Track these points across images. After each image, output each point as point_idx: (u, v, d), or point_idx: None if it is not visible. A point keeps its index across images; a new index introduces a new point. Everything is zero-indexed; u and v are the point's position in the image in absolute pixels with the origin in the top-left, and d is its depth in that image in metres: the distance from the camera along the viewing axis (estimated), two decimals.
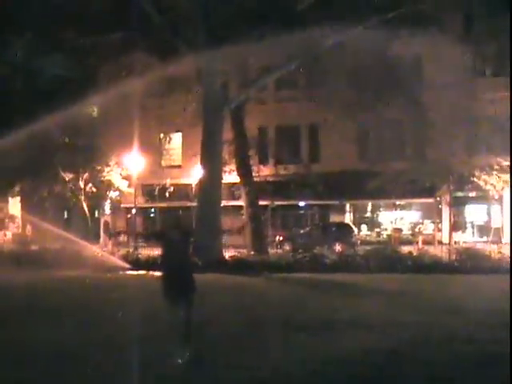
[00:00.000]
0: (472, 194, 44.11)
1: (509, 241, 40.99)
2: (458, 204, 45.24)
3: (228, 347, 11.79)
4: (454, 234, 43.51)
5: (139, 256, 31.51)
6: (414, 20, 33.37)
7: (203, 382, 9.59)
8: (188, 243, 11.28)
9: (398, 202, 48.09)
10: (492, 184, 41.54)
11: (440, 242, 42.01)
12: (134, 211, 44.71)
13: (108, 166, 44.73)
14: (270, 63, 33.01)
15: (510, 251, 23.64)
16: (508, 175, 41.27)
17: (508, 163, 41.17)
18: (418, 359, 10.53)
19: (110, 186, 46.53)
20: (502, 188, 42.09)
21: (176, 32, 31.08)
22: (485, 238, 44.51)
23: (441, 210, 46.32)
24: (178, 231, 11.02)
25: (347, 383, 9.25)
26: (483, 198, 43.91)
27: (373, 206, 50.24)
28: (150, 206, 52.44)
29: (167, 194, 49.01)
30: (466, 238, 44.28)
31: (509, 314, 12.53)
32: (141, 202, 48.84)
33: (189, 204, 42.83)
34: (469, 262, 26.20)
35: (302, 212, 49.89)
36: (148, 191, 50.63)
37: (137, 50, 33.25)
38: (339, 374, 9.65)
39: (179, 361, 10.25)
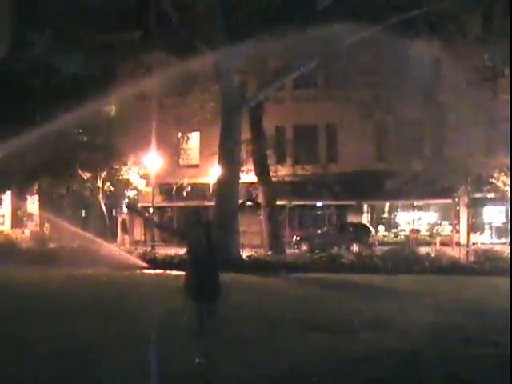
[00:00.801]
0: (490, 195, 43.80)
1: None
2: (476, 205, 45.00)
3: (245, 346, 11.78)
4: (471, 235, 43.31)
5: (156, 255, 31.61)
6: (434, 20, 33.31)
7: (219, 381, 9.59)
8: (214, 242, 10.74)
9: (415, 203, 47.87)
10: (510, 185, 41.30)
11: (458, 244, 41.79)
12: (151, 210, 44.83)
13: (126, 165, 44.81)
14: (288, 62, 32.95)
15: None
16: None
17: None
18: (435, 360, 10.48)
19: (127, 185, 46.67)
20: None
21: (194, 30, 31.10)
22: (503, 240, 44.29)
23: (459, 211, 46.06)
24: (204, 229, 10.65)
25: (364, 383, 9.21)
26: (501, 199, 43.64)
27: (390, 206, 50.10)
28: (168, 205, 52.53)
29: (184, 194, 49.09)
30: (484, 240, 44.10)
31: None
32: (158, 201, 48.98)
33: (206, 203, 42.83)
34: (487, 264, 26.13)
35: (319, 212, 49.80)
36: (165, 190, 50.73)
37: (155, 48, 33.33)
38: (357, 373, 9.62)
39: (200, 360, 10.07)
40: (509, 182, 41.16)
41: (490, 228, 47.47)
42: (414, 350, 11.09)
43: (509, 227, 45.45)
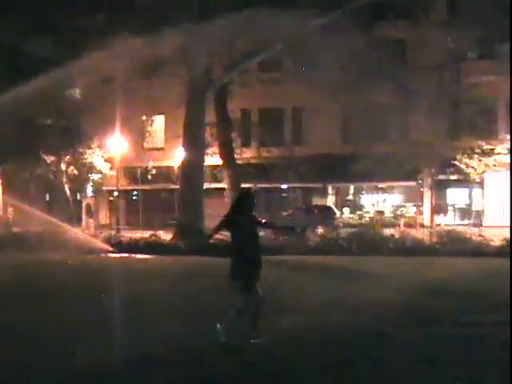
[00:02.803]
0: (454, 178, 44.31)
1: (489, 224, 41.39)
2: (439, 187, 45.53)
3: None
4: (435, 216, 43.83)
5: (121, 239, 31.49)
6: (399, 3, 33.39)
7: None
8: (258, 225, 10.66)
9: (380, 185, 48.20)
10: (473, 167, 41.80)
11: (422, 225, 42.28)
12: (116, 194, 44.63)
13: (90, 148, 44.58)
14: (254, 46, 32.84)
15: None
16: (489, 158, 41.61)
17: (490, 146, 41.53)
18: (403, 341, 10.58)
19: (92, 168, 46.41)
20: (483, 171, 42.39)
21: (161, 13, 30.83)
22: (466, 221, 44.80)
23: (423, 193, 46.52)
24: (250, 213, 10.31)
25: (331, 364, 9.25)
26: (465, 181, 44.13)
27: (355, 188, 50.38)
28: (133, 188, 52.38)
29: (150, 177, 48.98)
30: (448, 221, 44.55)
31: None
32: (123, 184, 48.77)
33: (172, 186, 42.80)
34: (450, 245, 26.35)
35: (284, 195, 49.97)
36: (130, 174, 50.62)
37: (121, 31, 32.98)
38: (323, 355, 9.67)
39: (257, 341, 10.08)
40: (472, 165, 41.73)
41: (454, 210, 47.91)
42: (381, 332, 11.16)
43: (481, 210, 46.04)
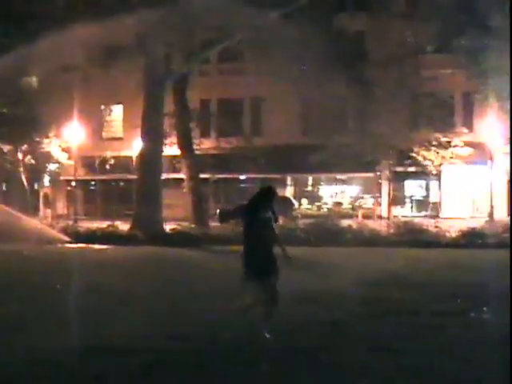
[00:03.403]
0: (411, 169, 44.67)
1: (446, 215, 41.91)
2: (397, 179, 45.85)
3: (169, 318, 11.77)
4: (393, 208, 44.17)
5: (79, 229, 31.27)
6: None
7: None
8: (273, 216, 10.28)
9: (338, 177, 48.43)
10: (430, 159, 42.19)
11: (379, 216, 42.57)
12: (73, 184, 44.27)
13: (47, 137, 44.11)
14: (213, 35, 32.74)
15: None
16: (446, 151, 42.06)
17: (447, 139, 41.98)
18: (358, 330, 10.64)
19: (49, 158, 45.94)
20: (440, 164, 42.81)
21: (120, 2, 30.52)
22: (423, 213, 45.27)
23: (381, 184, 46.83)
24: (267, 203, 10.25)
25: (285, 354, 9.28)
26: (422, 173, 44.54)
27: (314, 179, 50.50)
28: (91, 178, 51.97)
29: (108, 167, 48.66)
30: (405, 213, 44.96)
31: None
32: (81, 174, 48.39)
33: (130, 176, 42.50)
34: (406, 236, 26.63)
35: (243, 185, 49.91)
36: (88, 163, 50.19)
37: (79, 18, 32.61)
38: (276, 344, 9.69)
39: (267, 335, 9.85)
40: (429, 157, 42.11)
41: (411, 201, 48.34)
42: (337, 321, 11.22)
43: (438, 201, 46.57)
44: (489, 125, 40.35)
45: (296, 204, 46.11)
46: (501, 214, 40.23)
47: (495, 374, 8.27)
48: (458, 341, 9.89)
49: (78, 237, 29.23)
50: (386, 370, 8.50)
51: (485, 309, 12.13)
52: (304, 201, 49.39)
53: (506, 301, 12.24)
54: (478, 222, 30.62)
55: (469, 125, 44.86)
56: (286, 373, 8.47)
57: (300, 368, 8.60)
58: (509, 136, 34.98)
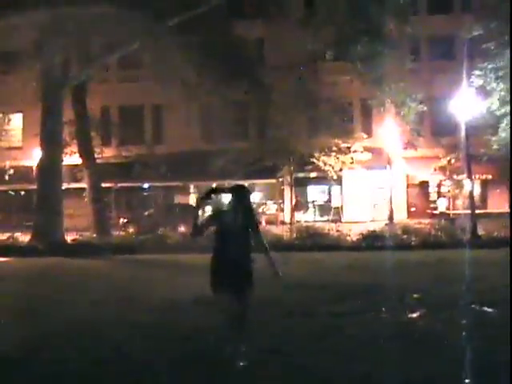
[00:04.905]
0: (313, 175, 45.26)
1: (348, 219, 42.68)
2: (299, 184, 46.38)
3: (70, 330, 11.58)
4: (295, 213, 44.68)
5: None
6: (257, 2, 33.82)
7: None
8: (251, 220, 9.00)
9: (241, 183, 48.55)
10: (331, 165, 42.87)
11: (283, 222, 42.98)
12: None
13: None
14: (112, 41, 32.36)
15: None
16: (346, 156, 42.86)
17: (346, 144, 42.81)
18: (253, 332, 10.64)
19: None
20: (341, 169, 43.58)
21: (15, 5, 29.79)
22: (325, 218, 45.91)
23: (283, 190, 47.26)
24: (237, 205, 8.94)
25: (178, 359, 9.25)
26: (323, 178, 45.18)
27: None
28: None
29: (7, 177, 47.47)
30: (308, 218, 45.53)
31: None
32: None
33: (30, 187, 41.56)
34: (308, 240, 26.93)
35: (146, 194, 49.57)
36: None
37: None
38: (169, 349, 9.66)
39: (241, 364, 8.68)
40: (329, 162, 42.80)
41: (314, 206, 48.91)
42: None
43: (340, 206, 47.29)
44: (387, 130, 41.38)
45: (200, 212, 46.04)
46: (400, 217, 41.34)
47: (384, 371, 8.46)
48: (348, 341, 10.03)
49: None
50: (272, 370, 8.59)
51: (383, 309, 12.35)
52: (208, 208, 49.21)
53: (401, 300, 12.59)
54: (379, 225, 31.33)
55: (368, 130, 45.89)
56: None
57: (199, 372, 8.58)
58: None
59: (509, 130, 33.78)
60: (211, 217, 9.21)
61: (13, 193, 49.96)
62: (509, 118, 34.41)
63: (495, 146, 37.13)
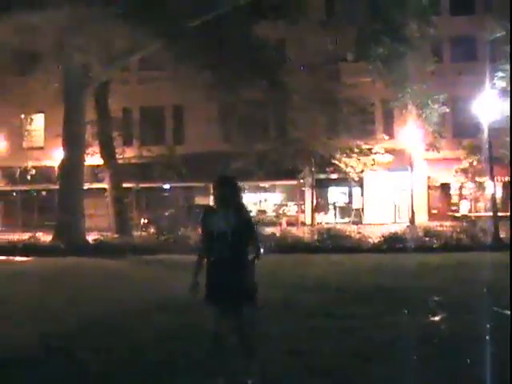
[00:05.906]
0: (334, 176, 45.17)
1: (368, 221, 42.52)
2: (320, 186, 46.30)
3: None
4: (316, 215, 44.59)
5: None
6: (278, 3, 33.75)
7: None
8: (248, 224, 7.58)
9: (261, 184, 48.57)
10: (352, 166, 42.74)
11: (303, 223, 42.90)
12: None
13: None
14: (133, 43, 32.45)
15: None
16: (367, 158, 42.71)
17: (368, 146, 42.68)
18: (269, 333, 10.59)
19: None
20: (362, 170, 43.44)
21: (35, 7, 29.95)
22: (346, 219, 45.77)
23: (304, 191, 47.19)
24: (236, 206, 7.44)
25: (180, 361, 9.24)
26: (344, 180, 45.07)
27: None
28: (11, 189, 50.96)
29: (29, 177, 47.75)
30: (329, 219, 45.40)
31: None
32: (1, 185, 47.49)
33: (52, 187, 41.82)
34: (329, 242, 26.84)
35: (166, 194, 49.68)
36: (8, 173, 49.21)
37: None
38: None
39: (249, 382, 7.55)
40: (350, 164, 42.68)
41: (334, 208, 48.79)
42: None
43: (361, 208, 47.14)
44: (408, 131, 41.17)
45: None
46: (421, 219, 41.11)
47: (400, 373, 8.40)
48: (365, 343, 9.96)
49: None
50: (296, 371, 8.55)
51: (405, 311, 12.27)
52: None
53: (423, 302, 12.51)
54: (400, 227, 31.17)
55: (389, 132, 45.69)
56: None
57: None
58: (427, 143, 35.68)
59: None
60: (200, 221, 7.55)
61: (35, 193, 50.29)
62: None
63: None
